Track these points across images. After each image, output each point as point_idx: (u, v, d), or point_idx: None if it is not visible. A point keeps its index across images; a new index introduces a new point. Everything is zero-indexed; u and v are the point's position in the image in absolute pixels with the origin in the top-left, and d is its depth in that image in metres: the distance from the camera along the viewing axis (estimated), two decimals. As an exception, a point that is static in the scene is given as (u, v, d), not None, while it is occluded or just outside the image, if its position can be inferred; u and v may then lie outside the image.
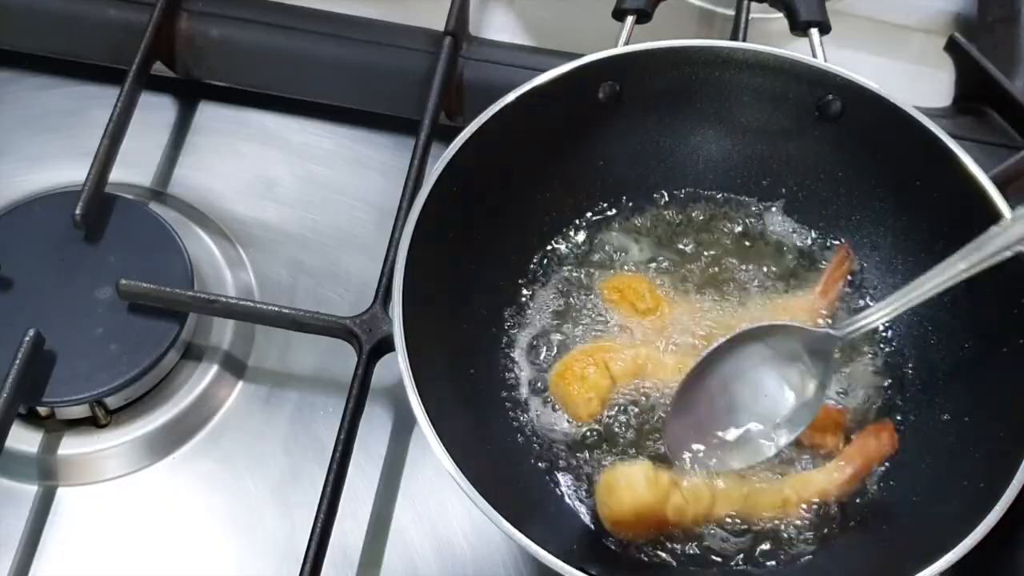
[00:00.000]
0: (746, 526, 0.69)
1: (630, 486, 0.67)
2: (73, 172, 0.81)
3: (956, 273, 0.65)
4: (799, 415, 0.69)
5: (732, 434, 0.69)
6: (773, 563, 0.68)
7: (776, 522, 0.69)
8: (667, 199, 0.80)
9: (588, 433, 0.72)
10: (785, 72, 0.76)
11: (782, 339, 0.69)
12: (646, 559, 0.68)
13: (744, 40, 0.84)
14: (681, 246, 0.79)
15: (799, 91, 0.76)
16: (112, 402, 0.75)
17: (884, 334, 0.75)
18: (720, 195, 0.80)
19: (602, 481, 0.69)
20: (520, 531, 0.61)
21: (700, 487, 0.68)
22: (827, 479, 0.70)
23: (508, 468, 0.70)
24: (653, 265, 0.77)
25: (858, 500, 0.70)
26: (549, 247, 0.78)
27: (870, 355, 0.75)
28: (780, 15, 0.80)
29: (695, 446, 0.69)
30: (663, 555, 0.68)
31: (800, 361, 0.69)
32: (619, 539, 0.68)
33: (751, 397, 0.70)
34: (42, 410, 0.75)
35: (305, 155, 0.89)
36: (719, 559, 0.68)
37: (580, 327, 0.75)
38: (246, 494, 0.75)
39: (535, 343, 0.75)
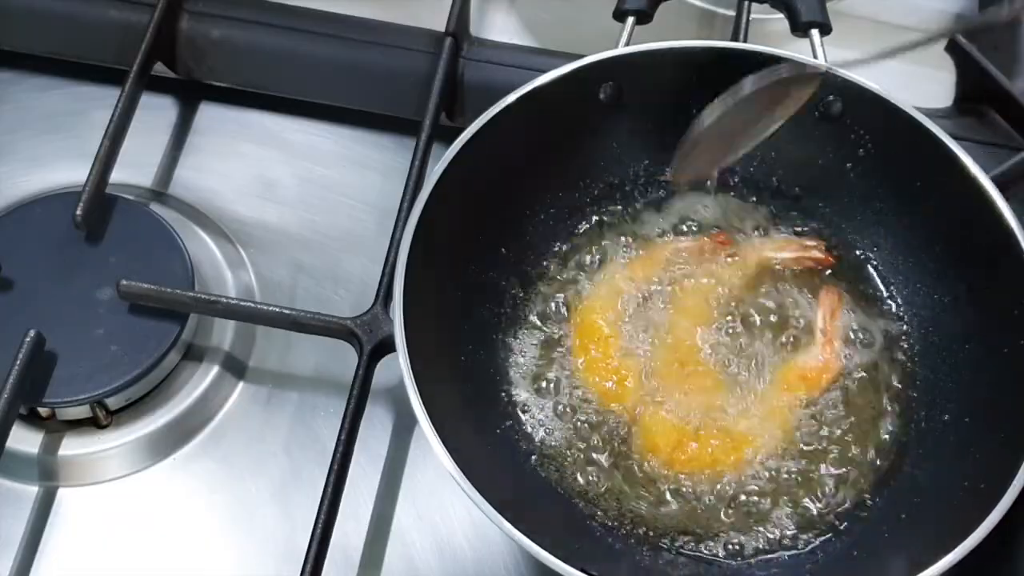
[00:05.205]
0: (742, 529, 0.69)
1: None
2: (74, 173, 0.81)
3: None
4: None
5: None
6: (770, 564, 0.69)
7: (772, 527, 0.70)
8: (668, 200, 0.80)
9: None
10: (786, 73, 0.76)
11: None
12: (647, 559, 0.68)
13: (744, 41, 0.84)
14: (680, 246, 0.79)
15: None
16: (113, 403, 0.75)
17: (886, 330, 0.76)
18: (721, 197, 0.80)
19: None
20: (520, 531, 0.61)
21: None
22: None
23: (509, 468, 0.70)
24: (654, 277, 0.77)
25: (857, 500, 0.70)
26: (549, 247, 0.78)
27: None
28: (780, 16, 0.80)
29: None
30: (664, 555, 0.69)
31: None
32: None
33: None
34: (43, 411, 0.75)
35: (305, 155, 0.89)
36: (714, 559, 0.69)
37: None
38: (247, 495, 0.75)
39: (536, 343, 0.75)
